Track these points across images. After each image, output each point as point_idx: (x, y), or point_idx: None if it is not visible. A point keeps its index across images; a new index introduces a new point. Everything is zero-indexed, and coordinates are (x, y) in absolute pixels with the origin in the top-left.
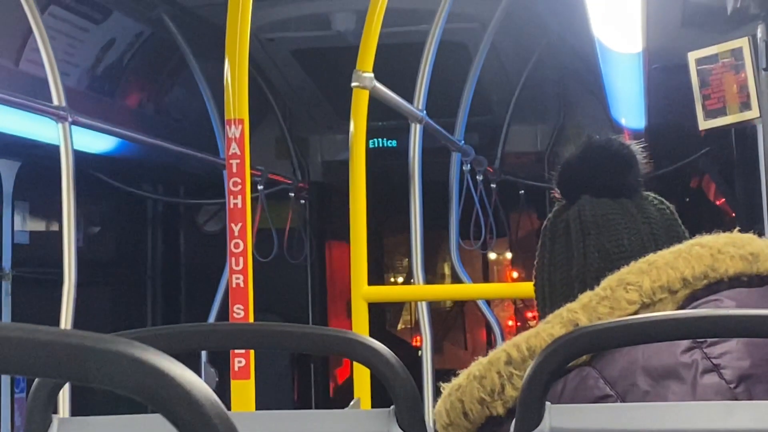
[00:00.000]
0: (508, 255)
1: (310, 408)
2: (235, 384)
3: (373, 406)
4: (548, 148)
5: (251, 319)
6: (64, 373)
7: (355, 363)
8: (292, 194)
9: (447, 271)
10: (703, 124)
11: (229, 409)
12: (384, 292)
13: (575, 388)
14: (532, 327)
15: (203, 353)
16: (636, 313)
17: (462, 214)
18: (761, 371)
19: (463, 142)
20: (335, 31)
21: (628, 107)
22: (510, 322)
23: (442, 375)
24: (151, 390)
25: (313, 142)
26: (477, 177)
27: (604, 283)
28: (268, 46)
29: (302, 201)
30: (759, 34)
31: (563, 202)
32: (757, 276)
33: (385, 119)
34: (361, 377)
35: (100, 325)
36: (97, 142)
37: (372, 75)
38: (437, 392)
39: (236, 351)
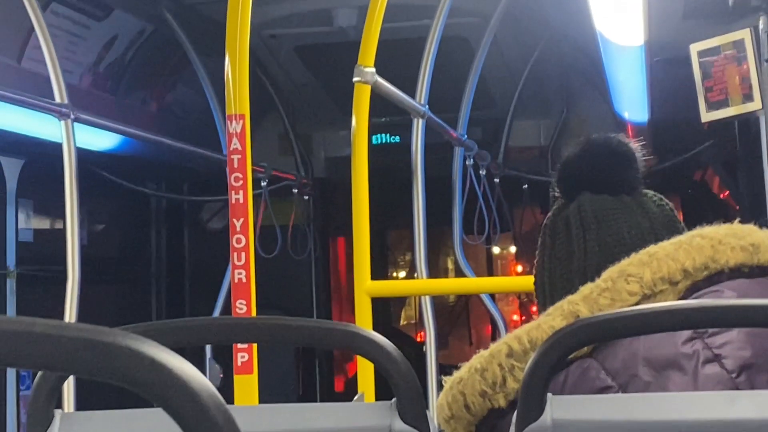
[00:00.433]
0: (512, 249)
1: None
2: (238, 379)
3: (377, 401)
4: (551, 143)
5: (254, 314)
6: (63, 365)
7: (359, 359)
8: (296, 191)
9: (450, 265)
10: (706, 116)
11: (232, 404)
12: (387, 287)
13: (577, 379)
14: None
15: (208, 349)
16: (637, 304)
17: (465, 209)
18: (762, 361)
19: (465, 136)
20: (337, 27)
21: (631, 100)
22: (515, 317)
23: (447, 370)
24: (150, 382)
25: (316, 139)
26: (480, 172)
27: (605, 274)
28: (271, 42)
29: (306, 197)
30: (761, 26)
31: (563, 200)
32: (758, 267)
33: (388, 115)
34: (365, 371)
35: (104, 323)
36: (100, 140)
37: (373, 70)
38: (441, 387)
39: (239, 346)
